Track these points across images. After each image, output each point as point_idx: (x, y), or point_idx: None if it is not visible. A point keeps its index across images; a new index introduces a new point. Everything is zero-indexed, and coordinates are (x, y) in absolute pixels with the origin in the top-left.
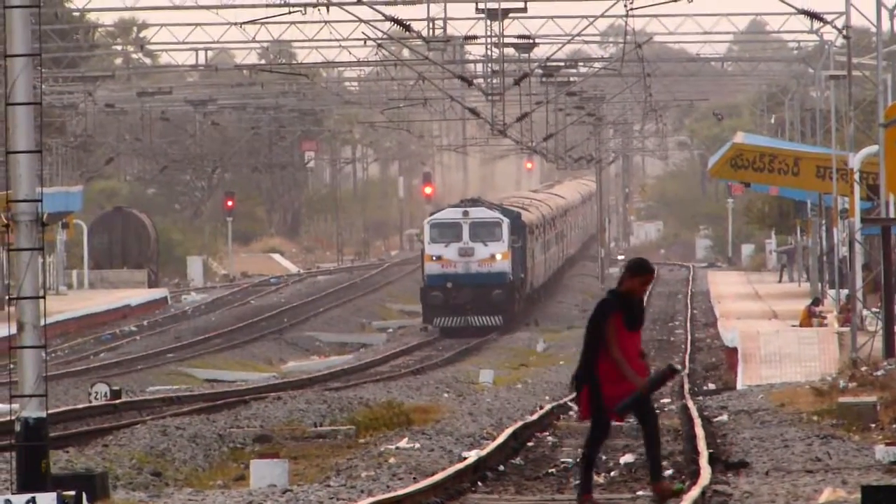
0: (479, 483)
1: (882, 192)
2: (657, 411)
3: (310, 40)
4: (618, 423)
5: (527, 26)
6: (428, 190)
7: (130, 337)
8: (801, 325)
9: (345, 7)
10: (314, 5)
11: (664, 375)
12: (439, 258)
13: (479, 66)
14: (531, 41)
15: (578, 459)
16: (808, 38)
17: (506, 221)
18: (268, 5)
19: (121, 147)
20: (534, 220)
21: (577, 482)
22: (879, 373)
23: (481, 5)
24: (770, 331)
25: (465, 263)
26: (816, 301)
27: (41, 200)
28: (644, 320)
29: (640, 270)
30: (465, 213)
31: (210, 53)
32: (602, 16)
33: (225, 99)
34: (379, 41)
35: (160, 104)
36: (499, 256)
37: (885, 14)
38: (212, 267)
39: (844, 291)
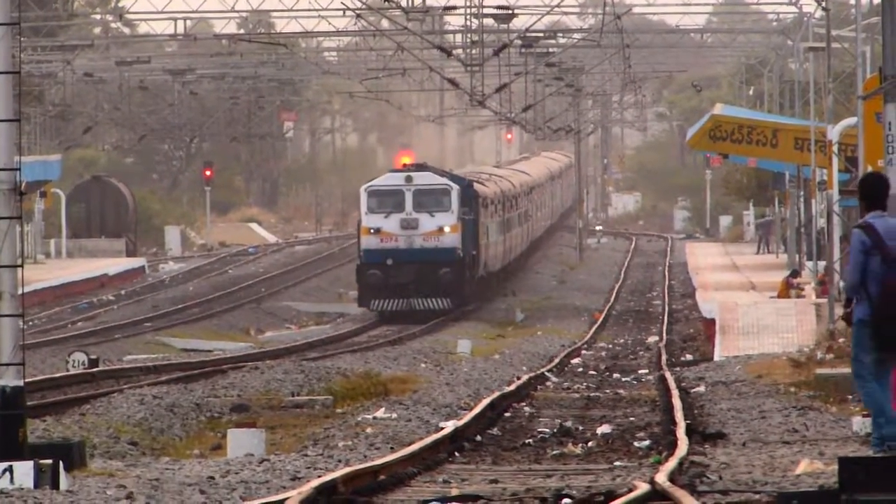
0: (457, 453)
1: (860, 164)
2: (634, 382)
3: (289, 10)
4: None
5: None
6: (406, 160)
7: (108, 306)
8: (779, 297)
9: None
10: None
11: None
12: (378, 231)
13: (458, 37)
14: (510, 12)
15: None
16: (787, 9)
17: (455, 189)
18: None
19: (99, 116)
20: (489, 194)
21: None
22: None
23: None
24: (748, 302)
25: (408, 237)
26: (795, 273)
27: (20, 169)
28: None
29: None
30: (409, 179)
31: (189, 23)
32: None
33: (204, 68)
34: (358, 11)
35: (139, 73)
36: (447, 229)
37: None
38: (190, 236)
39: (822, 263)
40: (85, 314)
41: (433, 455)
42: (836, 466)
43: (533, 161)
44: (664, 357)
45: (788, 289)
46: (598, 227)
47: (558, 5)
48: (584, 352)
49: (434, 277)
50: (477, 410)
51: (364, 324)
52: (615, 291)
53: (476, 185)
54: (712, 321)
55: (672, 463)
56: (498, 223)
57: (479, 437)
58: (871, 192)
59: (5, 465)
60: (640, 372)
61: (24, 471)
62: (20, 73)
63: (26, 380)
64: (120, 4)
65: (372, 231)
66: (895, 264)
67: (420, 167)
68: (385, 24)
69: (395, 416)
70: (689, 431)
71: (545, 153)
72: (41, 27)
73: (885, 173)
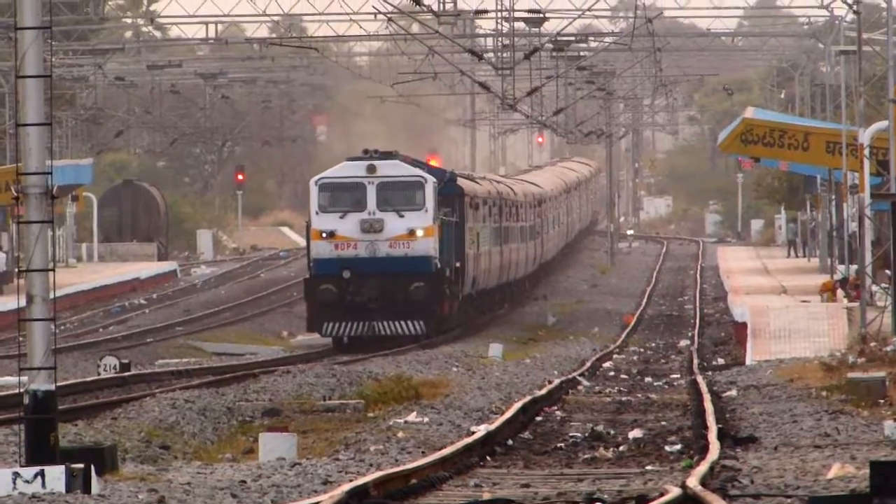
0: (488, 457)
1: (892, 167)
2: (665, 386)
3: (320, 14)
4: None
5: (537, 0)
6: (433, 164)
7: (140, 310)
8: (821, 293)
9: None
10: None
11: None
12: (332, 235)
13: (490, 41)
14: (542, 15)
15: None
16: (819, 13)
17: (431, 182)
18: None
19: (131, 120)
20: (480, 193)
21: None
22: (888, 348)
23: None
24: (779, 306)
25: (370, 243)
26: (845, 281)
27: (51, 173)
28: None
29: None
30: (371, 170)
31: (220, 27)
32: None
33: (235, 72)
34: (389, 15)
35: (170, 77)
36: (420, 233)
37: None
38: (221, 240)
39: (854, 267)
40: (117, 318)
41: (465, 459)
42: (867, 471)
43: (546, 171)
44: (696, 361)
45: (829, 290)
46: (629, 231)
47: (590, 9)
48: (615, 356)
49: (403, 294)
50: (508, 415)
51: None
52: (647, 295)
53: (462, 181)
54: (744, 325)
55: (703, 467)
56: (493, 230)
57: (510, 442)
58: None
59: (37, 469)
60: (671, 376)
61: (55, 475)
62: (52, 77)
63: (57, 384)
64: (151, 8)
65: (324, 235)
66: None
67: (386, 154)
68: (416, 28)
69: (426, 420)
70: (721, 435)
71: (561, 163)
72: (73, 31)
73: None
